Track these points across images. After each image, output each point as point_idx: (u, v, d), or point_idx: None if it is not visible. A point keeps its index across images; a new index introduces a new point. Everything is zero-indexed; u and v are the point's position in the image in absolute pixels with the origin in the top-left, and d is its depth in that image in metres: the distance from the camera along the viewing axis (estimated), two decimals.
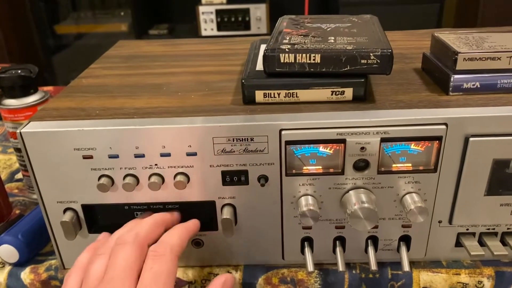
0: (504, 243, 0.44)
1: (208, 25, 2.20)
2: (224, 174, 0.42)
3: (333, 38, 0.44)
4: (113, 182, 0.42)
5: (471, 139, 0.39)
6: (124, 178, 0.42)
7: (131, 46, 0.67)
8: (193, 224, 0.43)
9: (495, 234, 0.44)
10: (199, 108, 0.43)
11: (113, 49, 0.66)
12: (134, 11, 2.37)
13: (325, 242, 0.45)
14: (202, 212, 0.44)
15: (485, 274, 0.45)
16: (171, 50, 0.64)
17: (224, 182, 0.42)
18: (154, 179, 0.41)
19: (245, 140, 0.40)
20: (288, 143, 0.40)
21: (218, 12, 2.20)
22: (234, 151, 0.40)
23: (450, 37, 0.47)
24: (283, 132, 0.39)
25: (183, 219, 0.44)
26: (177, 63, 0.58)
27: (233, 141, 0.40)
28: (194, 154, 0.41)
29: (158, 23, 2.45)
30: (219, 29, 2.17)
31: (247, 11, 2.18)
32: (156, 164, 0.41)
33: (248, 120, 0.40)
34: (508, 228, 0.44)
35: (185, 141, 0.40)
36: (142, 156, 0.41)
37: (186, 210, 0.44)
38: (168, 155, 0.41)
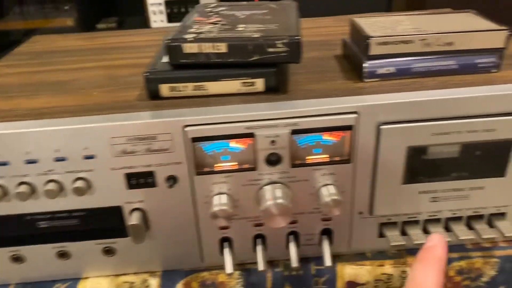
0: (426, 230, 0.43)
1: (157, 17, 2.13)
2: (128, 176, 0.39)
3: (243, 26, 0.42)
4: (5, 191, 0.38)
5: (382, 127, 0.37)
6: (17, 186, 0.38)
7: (46, 42, 0.62)
8: (442, 250, 0.35)
9: (417, 222, 0.43)
10: (100, 105, 0.40)
11: (25, 45, 0.61)
12: (79, 4, 2.27)
13: (245, 241, 0.43)
14: (109, 219, 0.41)
15: (409, 263, 0.44)
16: (88, 44, 0.60)
17: (130, 186, 0.39)
18: (50, 186, 0.38)
19: (146, 139, 0.37)
20: (195, 140, 0.37)
21: (168, 3, 2.14)
22: (136, 152, 0.37)
23: (368, 21, 0.45)
24: (187, 129, 0.37)
25: (89, 227, 0.41)
26: (91, 58, 0.54)
27: (134, 140, 0.37)
28: (92, 156, 0.37)
29: (107, 16, 2.37)
30: (169, 20, 2.11)
31: (197, 2, 2.13)
32: (51, 170, 0.38)
33: (149, 117, 0.37)
34: (429, 216, 0.43)
35: (81, 143, 0.37)
36: (35, 161, 0.37)
37: (91, 218, 0.41)
38: (64, 159, 0.37)
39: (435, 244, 0.36)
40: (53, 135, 0.36)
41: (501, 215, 0.43)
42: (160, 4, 2.14)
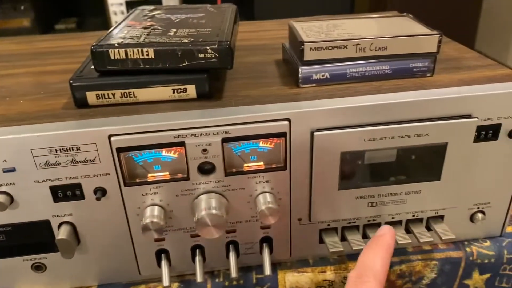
0: (365, 235, 0.43)
1: (118, 17, 2.09)
2: (53, 189, 0.37)
3: (174, 30, 0.41)
4: None
5: (315, 133, 0.37)
6: None
7: None
8: (391, 238, 0.37)
9: (357, 227, 0.43)
10: (24, 115, 0.38)
11: None
12: (36, 4, 2.20)
13: (182, 252, 0.42)
14: (38, 234, 0.39)
15: (350, 268, 0.44)
16: (22, 48, 0.57)
17: (56, 199, 0.37)
18: None
19: (70, 150, 0.35)
20: (121, 150, 0.36)
21: (129, 4, 2.10)
22: (60, 163, 0.36)
23: (304, 25, 0.45)
24: (112, 139, 0.35)
25: (17, 243, 0.39)
26: (22, 63, 0.51)
27: (56, 152, 0.35)
28: (13, 169, 0.35)
29: (66, 16, 2.30)
30: None
31: (159, 3, 2.09)
32: None
33: (72, 127, 0.35)
34: (368, 221, 0.43)
35: (0, 156, 0.35)
36: None
37: (17, 233, 0.38)
38: None
39: (385, 232, 0.38)
40: None
41: (440, 218, 0.44)
42: (121, 4, 2.09)
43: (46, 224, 0.38)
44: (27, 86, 0.44)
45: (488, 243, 0.46)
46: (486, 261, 0.45)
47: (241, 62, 0.39)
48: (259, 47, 0.54)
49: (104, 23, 2.07)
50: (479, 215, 0.44)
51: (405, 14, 0.48)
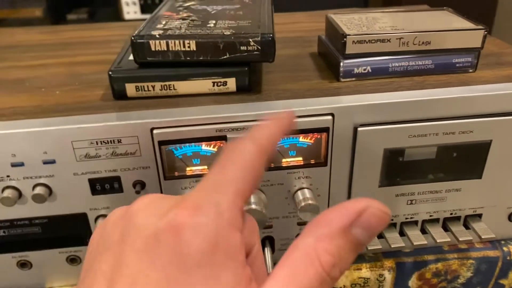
0: (402, 233, 0.43)
1: (130, 8, 2.08)
2: (92, 182, 0.36)
3: (214, 22, 0.40)
4: None
5: (359, 128, 0.36)
6: None
7: (4, 35, 0.59)
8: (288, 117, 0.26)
9: (394, 225, 0.43)
10: (61, 106, 0.37)
11: None
12: None
13: None
14: (73, 226, 0.38)
15: (386, 266, 0.43)
16: (51, 38, 0.57)
17: (94, 191, 0.37)
18: (7, 193, 0.35)
19: (111, 143, 0.35)
20: (162, 143, 0.35)
21: None
22: (100, 156, 0.35)
23: (343, 18, 0.44)
24: (154, 131, 0.35)
25: (53, 235, 0.39)
26: (53, 53, 0.51)
27: (97, 144, 0.35)
28: (53, 161, 0.35)
29: (78, 7, 2.29)
30: (143, 11, 2.06)
31: None
32: (8, 176, 0.35)
33: (114, 119, 0.34)
34: (406, 218, 0.42)
35: (39, 147, 0.34)
36: None
37: (53, 225, 0.38)
38: (21, 164, 0.35)
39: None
40: (8, 139, 0.34)
41: (478, 216, 0.43)
42: None
43: (83, 217, 0.38)
44: (61, 77, 0.44)
45: None
46: None
47: (276, 55, 0.38)
48: (292, 39, 0.53)
49: (116, 13, 2.05)
50: None
51: (444, 8, 0.47)
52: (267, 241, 0.42)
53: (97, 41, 0.55)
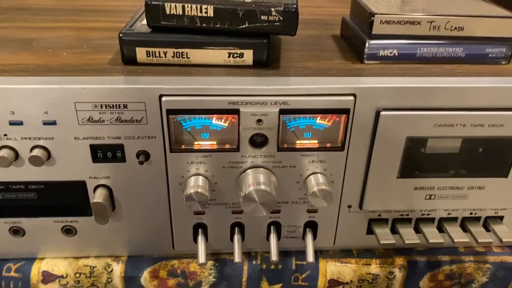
0: (417, 230, 0.40)
1: None
2: (94, 148, 0.34)
3: None
4: None
5: (382, 113, 0.34)
6: None
7: None
8: None
9: (409, 220, 0.40)
10: (67, 67, 0.35)
11: None
12: None
13: (221, 229, 0.39)
14: (71, 195, 0.36)
15: (396, 264, 0.41)
16: (63, 3, 0.55)
17: (95, 159, 0.35)
18: (3, 152, 0.33)
19: (116, 107, 0.32)
20: (171, 112, 0.33)
21: None
22: (103, 121, 0.33)
23: None
24: (163, 99, 0.32)
25: (49, 203, 0.37)
26: (64, 18, 0.49)
27: (101, 107, 0.32)
28: (53, 122, 0.33)
29: None
30: None
31: None
32: (5, 135, 0.33)
33: (121, 83, 0.32)
34: (422, 214, 0.40)
35: (40, 107, 0.32)
36: None
37: (51, 192, 0.36)
38: (20, 123, 0.33)
39: None
40: (8, 95, 0.32)
41: (499, 218, 0.40)
42: None
43: (81, 185, 0.36)
44: (70, 40, 0.42)
45: None
46: None
47: (297, 34, 0.36)
48: (314, 21, 0.50)
49: None
50: None
51: None
52: (273, 226, 0.39)
53: (110, 10, 0.53)
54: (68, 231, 0.38)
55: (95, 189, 0.36)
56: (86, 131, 0.33)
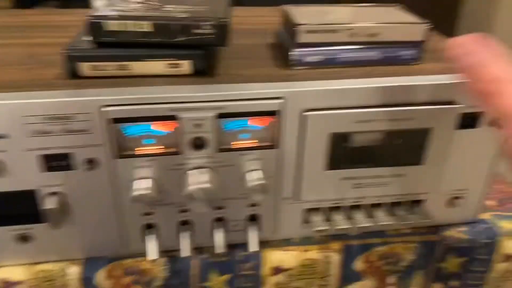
0: (349, 217, 0.45)
1: (102, 1, 2.05)
2: (44, 158, 0.37)
3: (171, 6, 0.41)
4: None
5: (307, 113, 0.38)
6: None
7: None
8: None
9: (341, 208, 0.44)
10: (14, 83, 0.37)
11: None
12: None
13: (170, 227, 0.42)
14: (24, 203, 0.38)
15: (333, 248, 0.45)
16: (14, 21, 0.56)
17: (46, 168, 0.37)
18: None
19: (63, 119, 0.35)
20: (114, 120, 0.36)
21: None
22: (52, 132, 0.35)
23: (298, 10, 0.46)
24: (105, 109, 0.35)
25: (4, 212, 0.39)
26: (13, 34, 0.51)
27: (50, 120, 0.35)
28: (4, 136, 0.35)
29: None
30: None
31: None
32: None
33: (67, 96, 0.35)
34: (353, 202, 0.44)
35: None
36: None
37: (4, 202, 0.38)
38: None
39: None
40: None
41: (420, 202, 0.45)
42: None
43: (34, 193, 0.38)
44: (17, 56, 0.44)
45: (464, 228, 0.48)
46: (462, 245, 0.47)
47: (234, 44, 0.39)
48: (251, 31, 0.54)
49: (87, 7, 2.03)
50: (458, 200, 0.46)
51: (396, 4, 0.49)
52: (219, 222, 0.43)
53: (61, 25, 0.55)
54: (24, 238, 0.40)
55: (48, 196, 0.38)
56: (36, 143, 0.36)
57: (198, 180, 0.38)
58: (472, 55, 0.29)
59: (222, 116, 0.37)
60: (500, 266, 0.48)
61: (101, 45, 0.38)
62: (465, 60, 0.30)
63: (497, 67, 0.28)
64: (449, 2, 1.81)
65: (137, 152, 0.38)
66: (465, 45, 0.30)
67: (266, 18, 0.62)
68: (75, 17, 0.59)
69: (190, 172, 0.39)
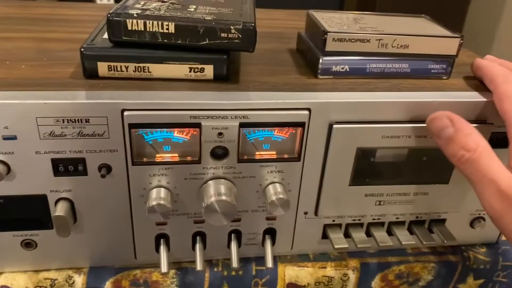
0: (369, 234, 0.43)
1: None
2: (55, 162, 0.34)
3: (194, 6, 0.39)
4: None
5: (334, 126, 0.36)
6: None
7: None
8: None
9: (361, 225, 0.43)
10: (27, 81, 0.35)
11: None
12: None
13: (183, 238, 0.40)
14: (31, 208, 0.36)
15: (350, 266, 0.43)
16: (19, 12, 0.54)
17: (57, 173, 0.35)
18: None
19: (78, 122, 0.33)
20: (133, 126, 0.34)
21: None
22: (65, 135, 0.33)
23: (325, 16, 0.44)
24: (125, 113, 0.33)
25: (8, 217, 0.36)
26: (22, 28, 0.48)
27: (63, 122, 0.33)
28: (14, 137, 0.33)
29: None
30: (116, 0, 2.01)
31: None
32: None
33: (83, 98, 0.33)
34: (373, 219, 0.43)
35: (0, 122, 0.32)
36: None
37: (10, 206, 0.36)
38: None
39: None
40: None
41: (442, 221, 0.44)
42: None
43: (42, 198, 0.36)
44: (28, 51, 0.41)
45: (484, 249, 0.46)
46: (482, 266, 0.45)
47: (255, 48, 0.38)
48: (271, 35, 0.52)
49: (91, 1, 1.99)
50: (480, 221, 0.44)
51: (423, 15, 0.47)
52: (234, 234, 0.41)
53: (69, 19, 0.53)
54: (28, 244, 0.38)
55: (56, 202, 0.36)
56: (48, 146, 0.33)
57: (217, 191, 0.36)
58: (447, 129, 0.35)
59: (245, 125, 0.35)
60: None
61: (120, 44, 0.36)
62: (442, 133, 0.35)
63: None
64: (456, 5, 1.80)
65: (154, 160, 0.36)
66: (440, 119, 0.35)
67: (282, 21, 0.60)
68: (88, 12, 0.56)
69: (209, 182, 0.37)
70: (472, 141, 0.33)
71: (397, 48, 0.40)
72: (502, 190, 0.31)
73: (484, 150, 0.32)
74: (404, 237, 0.42)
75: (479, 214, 0.44)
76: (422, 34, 0.40)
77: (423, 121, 0.37)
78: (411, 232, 0.43)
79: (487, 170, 0.32)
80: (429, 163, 0.40)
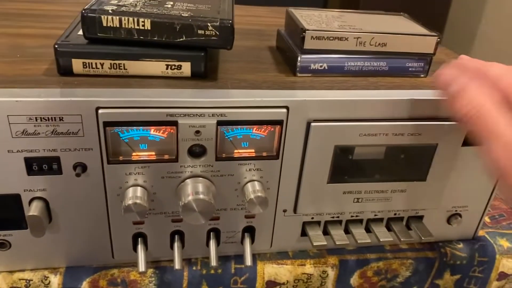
0: (347, 231, 0.43)
1: None
2: (28, 161, 0.34)
3: (171, 3, 0.38)
4: None
5: (312, 124, 0.36)
6: None
7: None
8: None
9: (340, 222, 0.43)
10: (0, 78, 0.34)
11: None
12: None
13: (161, 237, 0.40)
14: (6, 208, 0.36)
15: (329, 263, 0.43)
16: None
17: (30, 171, 0.34)
18: None
19: (52, 120, 0.32)
20: (108, 124, 0.33)
21: None
22: (39, 133, 0.33)
23: (303, 13, 0.44)
24: (100, 111, 0.33)
25: None
26: None
27: (36, 120, 0.32)
28: None
29: None
30: None
31: None
32: None
33: (57, 95, 0.32)
34: (352, 216, 0.43)
35: None
36: None
37: None
38: None
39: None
40: None
41: (419, 218, 0.44)
42: None
43: (16, 198, 0.35)
44: (1, 47, 0.40)
45: (461, 245, 0.47)
46: (458, 262, 0.46)
47: (234, 45, 0.37)
48: (251, 32, 0.52)
49: None
50: (457, 217, 0.45)
51: (401, 13, 0.48)
52: (213, 233, 0.41)
53: (45, 14, 0.52)
54: (2, 245, 0.37)
55: (30, 201, 0.35)
56: (21, 144, 0.33)
57: (195, 190, 0.36)
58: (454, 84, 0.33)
59: (223, 123, 0.35)
60: (495, 285, 0.47)
61: (95, 41, 0.35)
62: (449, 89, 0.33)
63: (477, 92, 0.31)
64: (438, 4, 1.83)
65: (130, 158, 0.35)
66: (447, 75, 0.34)
67: (262, 18, 0.60)
68: (65, 7, 0.55)
69: (187, 181, 0.36)
70: (480, 96, 0.31)
71: (375, 46, 0.40)
72: (510, 143, 0.29)
73: (491, 106, 0.31)
74: (382, 234, 0.43)
75: (456, 210, 0.45)
76: (400, 32, 0.40)
77: (400, 119, 0.38)
78: (389, 229, 0.44)
79: (495, 125, 0.30)
80: (406, 161, 0.40)
